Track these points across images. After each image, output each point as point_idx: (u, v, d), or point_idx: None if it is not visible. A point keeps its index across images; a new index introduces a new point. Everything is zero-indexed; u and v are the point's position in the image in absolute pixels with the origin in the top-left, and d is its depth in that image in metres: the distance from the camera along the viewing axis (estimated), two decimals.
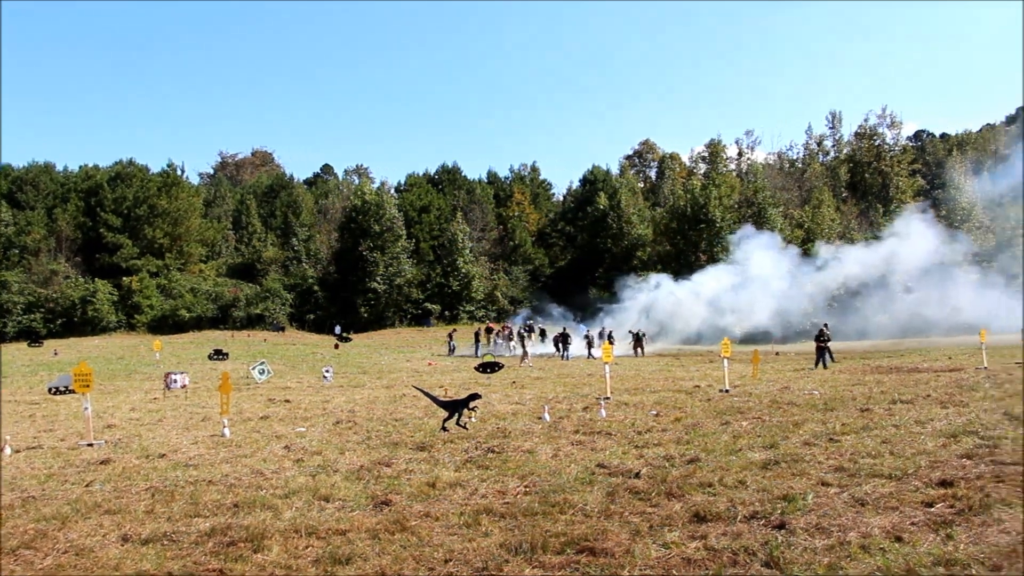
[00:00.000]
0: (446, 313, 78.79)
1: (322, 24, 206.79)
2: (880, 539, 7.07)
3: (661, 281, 59.85)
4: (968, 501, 8.12)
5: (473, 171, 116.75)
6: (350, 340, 60.36)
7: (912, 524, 7.51)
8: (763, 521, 7.82)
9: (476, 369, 30.80)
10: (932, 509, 8.03)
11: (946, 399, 17.36)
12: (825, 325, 35.00)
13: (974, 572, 6.19)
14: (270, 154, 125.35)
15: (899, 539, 7.06)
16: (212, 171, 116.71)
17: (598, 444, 13.06)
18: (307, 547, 7.52)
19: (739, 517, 7.99)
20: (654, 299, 57.20)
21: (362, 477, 10.80)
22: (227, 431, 15.28)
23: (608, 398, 19.81)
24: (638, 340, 47.22)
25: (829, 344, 33.52)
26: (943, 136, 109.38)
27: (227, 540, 7.76)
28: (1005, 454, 10.64)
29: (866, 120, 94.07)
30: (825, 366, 31.16)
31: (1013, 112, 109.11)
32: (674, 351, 50.18)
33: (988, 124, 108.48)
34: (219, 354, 42.28)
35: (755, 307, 52.95)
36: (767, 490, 9.11)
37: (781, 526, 7.57)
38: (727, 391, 21.31)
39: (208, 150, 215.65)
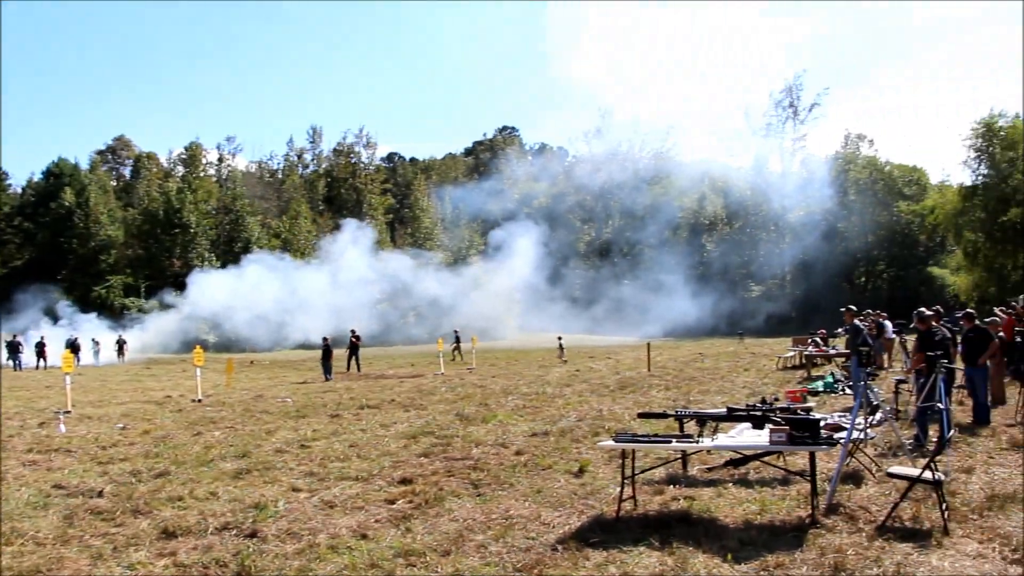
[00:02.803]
0: None
1: None
2: (347, 538, 7.40)
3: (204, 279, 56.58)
4: (425, 496, 8.87)
5: None
6: None
7: (376, 521, 7.99)
8: (235, 531, 7.74)
9: None
10: (394, 506, 8.62)
11: (408, 403, 18.84)
12: (352, 331, 34.76)
13: (429, 559, 6.76)
14: None
15: (364, 536, 7.46)
16: None
17: (56, 463, 11.87)
18: None
19: (210, 529, 7.81)
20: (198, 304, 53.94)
21: None
22: None
23: (68, 412, 18.10)
24: (119, 347, 45.44)
25: (359, 351, 33.85)
26: (412, 160, 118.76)
27: None
28: (456, 450, 11.82)
29: (344, 138, 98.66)
30: (329, 377, 29.04)
31: (471, 144, 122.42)
32: (145, 360, 47.67)
33: (450, 153, 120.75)
34: None
35: (311, 311, 52.33)
36: (239, 500, 9.04)
37: (253, 535, 7.55)
38: (200, 401, 20.81)
39: None
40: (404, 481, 9.79)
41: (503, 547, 6.99)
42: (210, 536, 7.61)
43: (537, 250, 65.27)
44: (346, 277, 58.24)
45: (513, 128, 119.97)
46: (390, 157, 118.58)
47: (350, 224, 66.84)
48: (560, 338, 36.63)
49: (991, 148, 50.46)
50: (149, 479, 10.37)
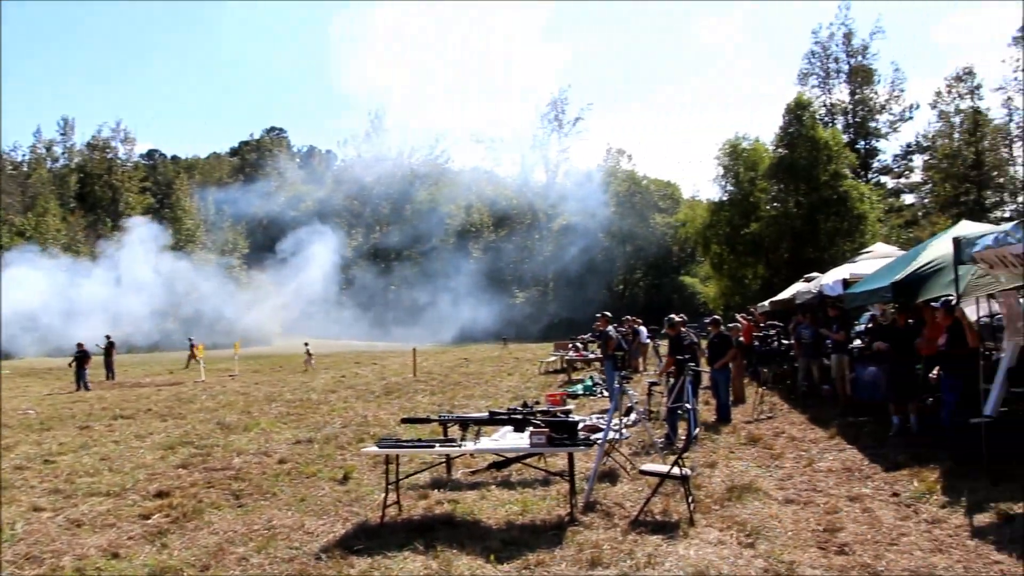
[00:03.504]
0: None
1: None
2: (96, 559, 6.99)
3: None
4: (183, 509, 8.52)
5: None
6: None
7: (130, 539, 7.59)
8: None
9: None
10: (149, 521, 8.22)
11: (166, 412, 17.98)
12: (108, 336, 32.32)
13: (186, 575, 6.51)
14: None
15: (116, 555, 7.07)
16: None
17: None
18: None
19: None
20: None
21: None
22: None
23: None
24: None
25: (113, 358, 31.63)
26: (174, 158, 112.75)
27: None
28: (216, 460, 11.43)
29: (99, 132, 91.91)
30: (87, 387, 26.56)
31: (237, 144, 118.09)
32: None
33: (215, 153, 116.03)
34: None
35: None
36: None
37: None
38: None
39: None
40: (160, 494, 9.36)
41: (265, 559, 6.85)
42: None
43: (323, 255, 64.24)
44: (125, 279, 54.50)
45: (281, 129, 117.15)
46: (150, 154, 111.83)
47: (136, 223, 62.58)
48: (307, 344, 36.17)
49: (736, 167, 54.53)
50: None
